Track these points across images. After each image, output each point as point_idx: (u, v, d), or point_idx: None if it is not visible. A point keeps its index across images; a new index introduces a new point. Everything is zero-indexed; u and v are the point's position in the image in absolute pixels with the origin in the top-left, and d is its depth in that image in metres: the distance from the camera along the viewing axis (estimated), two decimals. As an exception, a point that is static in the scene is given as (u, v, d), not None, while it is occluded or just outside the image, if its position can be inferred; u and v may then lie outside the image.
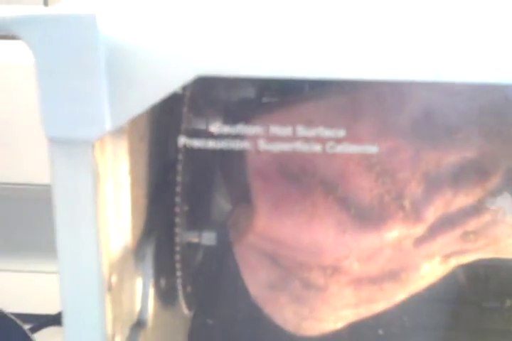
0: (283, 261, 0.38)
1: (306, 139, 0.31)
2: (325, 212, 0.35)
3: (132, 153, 0.33)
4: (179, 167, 0.36)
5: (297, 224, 0.36)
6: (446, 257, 0.39)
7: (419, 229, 0.36)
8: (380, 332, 0.48)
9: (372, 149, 0.32)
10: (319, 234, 0.35)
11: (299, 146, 0.31)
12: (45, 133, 0.28)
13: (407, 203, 0.35)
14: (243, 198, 0.37)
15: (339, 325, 0.41)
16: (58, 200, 0.29)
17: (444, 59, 0.26)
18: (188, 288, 0.41)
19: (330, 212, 0.35)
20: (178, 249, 0.38)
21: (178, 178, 0.36)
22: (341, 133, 0.30)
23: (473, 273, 0.48)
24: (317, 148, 0.31)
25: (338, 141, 0.31)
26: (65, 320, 0.30)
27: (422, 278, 0.39)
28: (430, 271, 0.39)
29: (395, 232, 0.36)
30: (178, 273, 0.39)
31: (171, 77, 0.27)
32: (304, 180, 0.35)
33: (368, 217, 0.35)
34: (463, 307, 0.49)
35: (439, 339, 0.48)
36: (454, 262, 0.40)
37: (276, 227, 0.36)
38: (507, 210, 0.38)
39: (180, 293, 0.40)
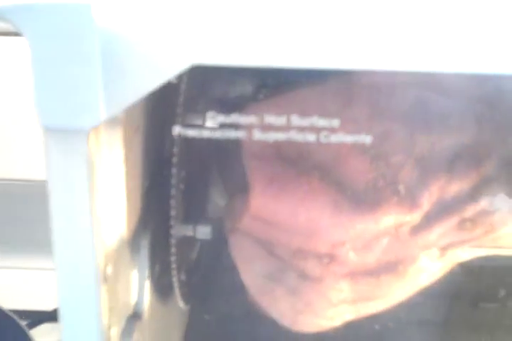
0: (278, 251, 0.38)
1: (301, 128, 0.31)
2: (320, 192, 0.35)
3: (127, 143, 0.33)
4: (175, 158, 0.36)
5: (293, 204, 0.36)
6: (444, 249, 0.39)
7: (416, 216, 0.36)
8: (377, 327, 0.48)
9: (366, 139, 0.32)
10: (315, 215, 0.35)
11: (294, 136, 0.31)
12: (40, 122, 0.28)
13: (402, 188, 0.35)
14: (239, 189, 0.37)
15: (336, 322, 0.41)
16: (53, 190, 0.29)
17: (438, 49, 0.26)
18: (184, 282, 0.41)
19: (325, 193, 0.35)
20: (173, 242, 0.38)
21: (174, 170, 0.37)
22: (335, 122, 0.31)
23: (469, 269, 0.48)
24: (311, 137, 0.31)
25: (333, 130, 0.31)
26: (62, 311, 0.30)
27: (419, 272, 0.39)
28: (428, 264, 0.39)
29: (390, 217, 0.36)
30: (174, 267, 0.39)
31: (166, 66, 0.27)
32: (299, 162, 0.35)
33: (363, 199, 0.35)
34: (459, 303, 0.49)
35: (435, 334, 0.48)
36: (451, 257, 0.40)
37: (271, 207, 0.36)
38: (504, 212, 0.38)
39: (175, 286, 0.40)
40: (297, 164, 0.35)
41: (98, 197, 0.29)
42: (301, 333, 0.42)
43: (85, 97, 0.27)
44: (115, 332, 0.32)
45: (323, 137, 0.31)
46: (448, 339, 0.48)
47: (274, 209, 0.36)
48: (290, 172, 0.36)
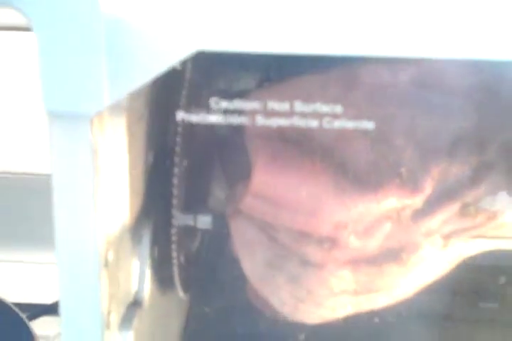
0: (280, 235, 0.38)
1: (304, 114, 0.31)
2: (322, 172, 0.36)
3: (131, 132, 0.33)
4: (177, 147, 0.37)
5: (294, 183, 0.36)
6: (447, 238, 0.39)
7: (417, 200, 0.37)
8: (378, 321, 0.48)
9: (368, 125, 0.33)
10: (316, 194, 0.36)
11: (297, 121, 0.31)
12: (45, 108, 0.28)
13: (403, 171, 0.36)
14: (241, 172, 0.37)
15: (338, 313, 0.41)
16: (56, 176, 0.29)
17: (439, 35, 0.26)
18: (184, 272, 0.41)
19: (327, 172, 0.36)
20: (174, 231, 0.38)
21: (176, 158, 0.37)
22: (338, 108, 0.31)
23: (473, 266, 0.48)
24: (314, 123, 0.31)
25: (335, 116, 0.31)
26: (61, 295, 0.30)
27: (422, 263, 0.39)
28: (431, 254, 0.39)
29: (392, 200, 0.36)
30: (174, 256, 0.39)
31: (171, 52, 0.27)
32: (301, 142, 0.35)
33: (365, 181, 0.36)
34: (461, 299, 0.49)
35: (435, 328, 0.48)
36: (455, 249, 0.40)
37: (273, 185, 0.36)
38: (506, 211, 0.38)
39: (175, 275, 0.40)
40: (300, 144, 0.36)
41: (101, 183, 0.30)
42: (301, 325, 0.42)
43: (89, 83, 0.27)
44: (115, 318, 0.33)
45: (326, 123, 0.31)
46: (450, 334, 0.49)
47: (276, 187, 0.36)
48: (292, 152, 0.36)
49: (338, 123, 0.31)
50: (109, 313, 0.32)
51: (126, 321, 0.34)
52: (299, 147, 0.36)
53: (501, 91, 0.36)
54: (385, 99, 0.35)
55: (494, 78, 0.35)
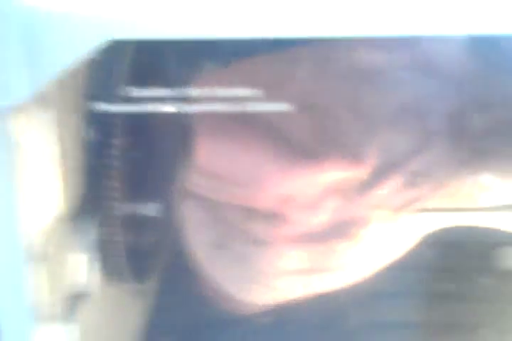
0: (227, 214, 0.37)
1: (226, 99, 0.31)
2: (265, 145, 0.35)
3: (62, 124, 0.33)
4: (114, 136, 0.36)
5: (237, 156, 0.36)
6: (396, 210, 0.38)
7: (362, 171, 0.36)
8: (336, 301, 0.47)
9: (284, 107, 0.32)
10: (260, 166, 0.35)
11: (219, 107, 0.31)
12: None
13: (345, 141, 0.35)
14: (184, 152, 0.37)
15: (292, 295, 0.41)
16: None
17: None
18: (135, 262, 0.41)
19: (270, 145, 0.36)
20: (120, 221, 0.38)
21: (114, 148, 0.36)
22: (261, 92, 0.31)
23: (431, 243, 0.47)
24: (237, 107, 0.31)
25: (259, 99, 0.31)
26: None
27: (373, 238, 0.39)
28: (381, 229, 0.38)
29: (336, 172, 0.36)
30: (122, 246, 0.38)
31: (84, 42, 0.27)
32: (242, 116, 0.35)
33: (308, 152, 0.36)
34: (424, 276, 0.49)
35: (397, 309, 0.48)
36: (407, 222, 0.39)
37: (217, 160, 0.36)
38: (488, 190, 0.38)
39: (126, 267, 0.40)
40: (240, 118, 0.35)
41: (29, 177, 0.29)
42: (264, 310, 0.42)
43: (4, 76, 0.27)
44: (56, 311, 0.32)
45: (249, 107, 0.31)
46: (407, 313, 0.48)
47: (219, 161, 0.36)
48: (234, 125, 0.35)
49: (261, 107, 0.31)
50: (51, 306, 0.32)
51: (68, 314, 0.34)
52: (240, 121, 0.35)
53: (443, 63, 0.35)
54: (326, 73, 0.34)
55: (436, 50, 0.35)
